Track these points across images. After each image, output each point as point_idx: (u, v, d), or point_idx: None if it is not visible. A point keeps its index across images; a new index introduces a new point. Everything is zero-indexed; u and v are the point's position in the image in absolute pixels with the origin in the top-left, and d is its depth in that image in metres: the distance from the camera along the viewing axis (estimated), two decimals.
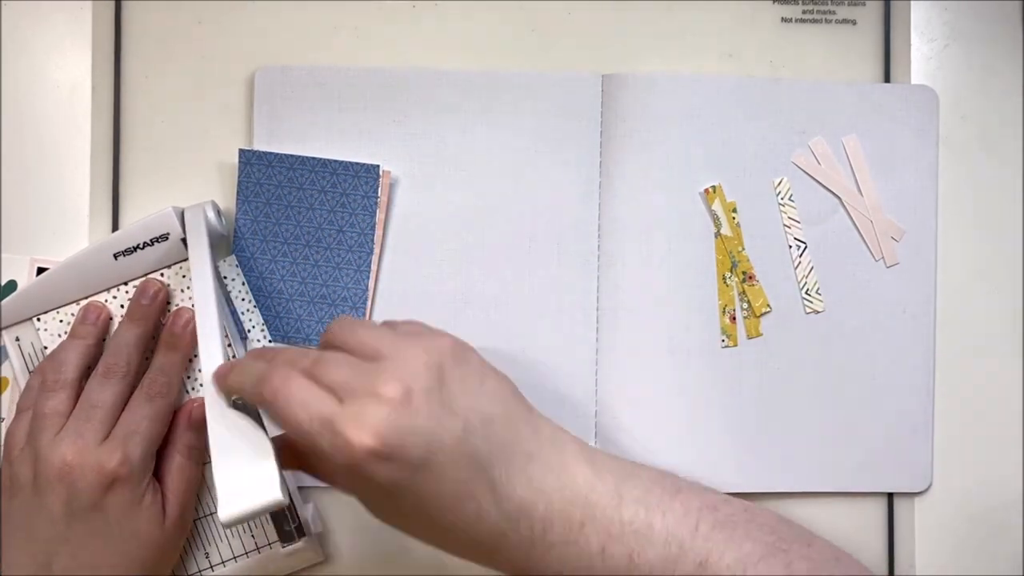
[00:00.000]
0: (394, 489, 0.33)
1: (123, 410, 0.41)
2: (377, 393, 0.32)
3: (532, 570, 0.36)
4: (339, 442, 0.32)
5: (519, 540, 0.35)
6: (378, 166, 0.45)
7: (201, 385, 0.44)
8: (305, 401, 0.33)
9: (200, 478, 0.43)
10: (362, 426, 0.32)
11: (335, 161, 0.45)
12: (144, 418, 0.41)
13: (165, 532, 0.41)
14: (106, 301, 0.44)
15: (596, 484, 0.36)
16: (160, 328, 0.44)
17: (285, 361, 0.35)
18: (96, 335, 0.43)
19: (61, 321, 0.44)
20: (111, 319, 0.44)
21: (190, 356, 0.44)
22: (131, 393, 0.42)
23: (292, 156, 0.45)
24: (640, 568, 0.34)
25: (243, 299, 0.45)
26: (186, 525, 0.42)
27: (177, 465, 0.42)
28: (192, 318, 0.43)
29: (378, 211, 0.46)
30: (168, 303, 0.44)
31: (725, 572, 0.33)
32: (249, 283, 0.45)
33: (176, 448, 0.42)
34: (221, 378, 0.37)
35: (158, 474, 0.42)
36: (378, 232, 0.46)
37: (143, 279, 0.44)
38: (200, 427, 0.43)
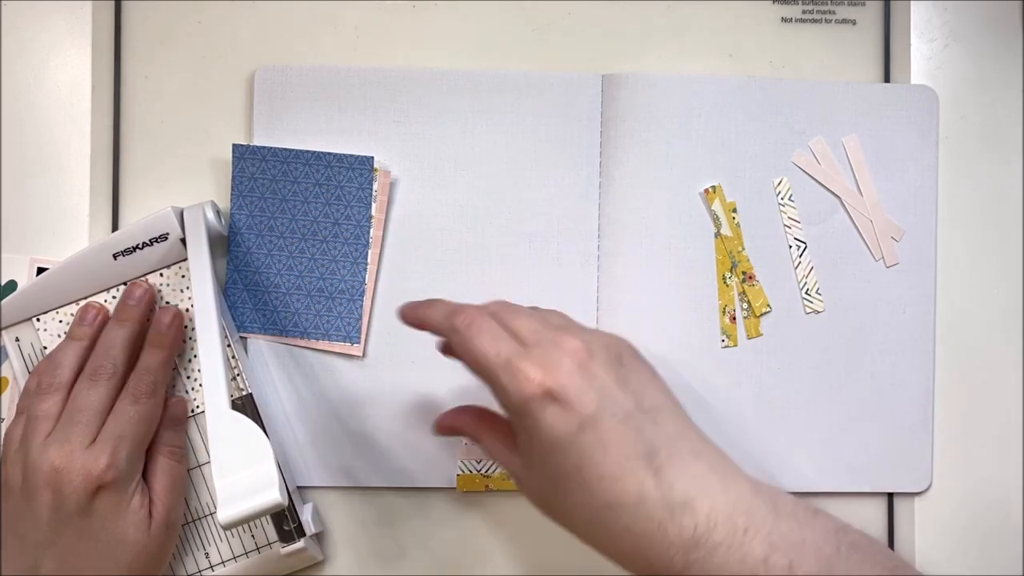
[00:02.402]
0: (558, 442, 0.33)
1: (111, 412, 0.41)
2: (561, 346, 0.34)
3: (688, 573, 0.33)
4: (518, 377, 0.33)
5: (679, 536, 0.33)
6: (371, 158, 0.45)
7: (200, 385, 0.44)
8: (494, 336, 0.35)
9: (186, 477, 0.43)
10: (541, 366, 0.33)
11: (329, 154, 0.45)
12: (130, 420, 0.40)
13: (153, 535, 0.40)
14: (105, 301, 0.44)
15: (757, 493, 0.34)
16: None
17: (474, 305, 0.37)
18: (93, 336, 0.43)
19: (61, 321, 0.44)
20: (108, 319, 0.44)
21: (176, 354, 0.44)
22: (119, 394, 0.41)
23: (286, 150, 0.45)
24: None
25: None
26: (174, 527, 0.42)
27: (161, 466, 0.42)
28: (177, 315, 0.43)
29: (378, 211, 0.46)
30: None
31: None
32: (246, 278, 0.45)
33: (159, 449, 0.42)
34: (411, 310, 0.39)
35: (145, 475, 0.41)
36: (378, 232, 0.46)
37: (132, 281, 0.44)
38: (179, 424, 0.43)
